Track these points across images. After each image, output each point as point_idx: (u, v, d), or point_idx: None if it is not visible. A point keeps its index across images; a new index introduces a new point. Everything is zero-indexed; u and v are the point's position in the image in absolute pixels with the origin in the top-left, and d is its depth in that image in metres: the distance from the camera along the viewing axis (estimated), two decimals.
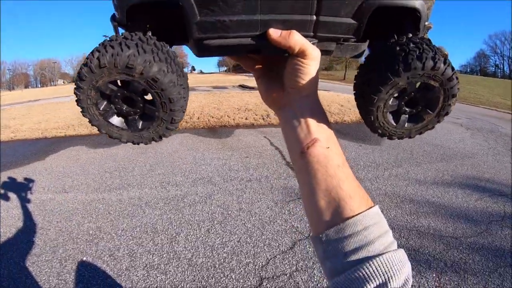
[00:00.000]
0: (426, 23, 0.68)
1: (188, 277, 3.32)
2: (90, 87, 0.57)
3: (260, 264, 3.55)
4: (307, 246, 3.84)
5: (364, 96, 0.68)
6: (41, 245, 3.70)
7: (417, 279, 3.19)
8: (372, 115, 0.68)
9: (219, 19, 0.62)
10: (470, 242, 3.73)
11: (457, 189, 5.18)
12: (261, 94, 0.76)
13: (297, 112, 0.67)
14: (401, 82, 0.62)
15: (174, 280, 3.26)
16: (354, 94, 0.73)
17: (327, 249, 0.59)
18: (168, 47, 0.61)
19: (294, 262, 3.56)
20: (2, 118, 10.59)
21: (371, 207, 0.60)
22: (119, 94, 0.60)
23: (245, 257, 3.65)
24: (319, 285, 3.27)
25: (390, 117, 0.70)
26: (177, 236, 3.86)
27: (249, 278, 3.33)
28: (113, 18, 0.62)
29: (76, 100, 0.59)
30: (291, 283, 3.26)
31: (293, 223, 4.30)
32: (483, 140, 8.06)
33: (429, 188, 5.28)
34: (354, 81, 0.72)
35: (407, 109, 0.70)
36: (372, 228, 0.57)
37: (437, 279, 3.16)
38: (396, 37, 0.65)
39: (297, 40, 0.61)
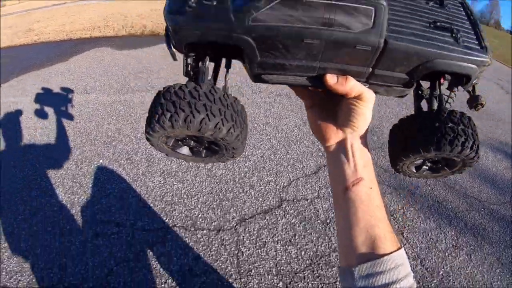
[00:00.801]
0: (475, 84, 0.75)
1: (205, 188, 3.16)
2: (161, 136, 0.66)
3: (282, 184, 3.34)
4: None
5: (395, 150, 0.80)
6: (58, 146, 3.57)
7: (435, 233, 3.02)
8: (397, 165, 0.81)
9: (280, 62, 0.67)
10: (492, 209, 3.47)
11: (488, 151, 4.74)
12: (311, 124, 0.79)
13: (347, 150, 0.72)
14: (429, 155, 0.73)
15: (191, 190, 3.11)
16: (389, 135, 0.83)
17: (358, 281, 0.63)
18: (234, 100, 0.68)
19: (316, 188, 3.34)
20: (26, 22, 10.05)
21: (399, 248, 0.65)
22: (188, 138, 0.71)
23: (267, 174, 3.43)
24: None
25: (412, 168, 0.83)
26: None
27: (269, 198, 3.14)
28: (170, 46, 0.68)
29: (146, 139, 0.68)
30: (310, 210, 3.06)
31: (320, 146, 3.98)
32: None
33: None
34: (393, 126, 0.82)
35: (428, 164, 0.84)
36: (400, 268, 0.63)
37: (455, 238, 2.99)
38: (438, 103, 0.77)
39: (353, 86, 0.65)
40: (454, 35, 0.70)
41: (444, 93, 0.79)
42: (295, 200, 3.20)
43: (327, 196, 3.25)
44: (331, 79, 0.65)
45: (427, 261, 2.76)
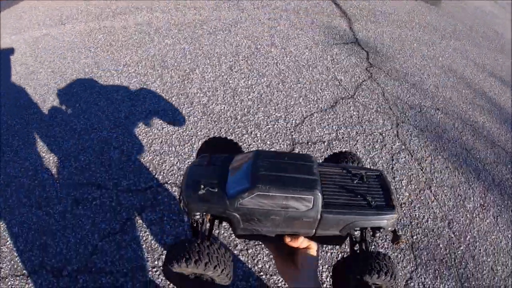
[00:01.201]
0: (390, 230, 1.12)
1: (201, 130, 2.59)
2: (176, 270, 0.95)
3: (293, 122, 2.72)
4: (351, 108, 2.98)
5: (336, 278, 1.18)
6: (28, 95, 2.91)
7: (463, 188, 2.61)
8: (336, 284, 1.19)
9: (255, 228, 1.03)
10: None
11: None
12: (278, 268, 1.13)
13: (305, 281, 1.01)
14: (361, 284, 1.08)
15: (183, 133, 2.55)
16: (332, 274, 1.20)
17: None
18: (224, 250, 1.02)
19: (334, 127, 2.76)
20: None
21: None
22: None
23: (275, 109, 2.80)
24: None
25: None
26: (191, 73, 3.01)
27: (278, 140, 2.56)
28: (182, 208, 1.07)
29: (163, 270, 1.05)
30: (328, 155, 2.38)
31: (336, 74, 3.30)
32: None
33: (487, 78, 4.08)
34: (334, 266, 1.19)
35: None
36: None
37: (483, 195, 2.60)
38: (365, 248, 1.13)
39: (301, 242, 1.00)
40: (369, 201, 1.06)
41: (369, 239, 1.14)
42: (310, 143, 2.61)
43: (346, 137, 2.69)
44: (287, 238, 0.98)
45: (454, 223, 2.38)
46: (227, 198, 1.01)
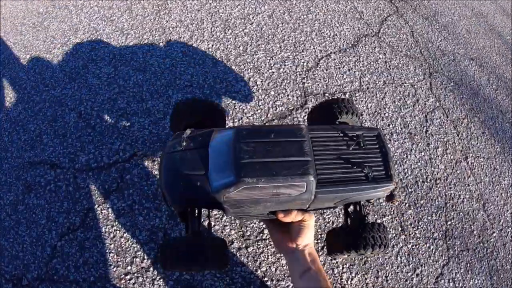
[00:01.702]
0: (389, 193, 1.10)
1: (181, 75, 1.99)
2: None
3: (305, 64, 2.10)
4: (376, 49, 2.37)
5: (332, 248, 1.28)
6: None
7: (499, 161, 2.20)
8: (331, 255, 1.33)
9: (244, 212, 1.03)
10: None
11: None
12: (274, 242, 1.19)
13: (300, 254, 1.08)
14: (353, 255, 1.21)
15: (157, 82, 1.96)
16: (326, 238, 1.32)
17: None
18: (217, 239, 1.15)
19: (357, 74, 2.17)
20: None
21: None
22: None
23: (280, 48, 2.16)
24: (391, 122, 2.10)
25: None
26: (168, 2, 2.33)
27: (285, 90, 1.96)
28: (167, 205, 1.05)
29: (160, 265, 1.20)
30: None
31: (356, 4, 2.62)
32: None
33: None
34: (328, 232, 1.31)
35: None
36: None
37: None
38: (359, 219, 1.18)
39: (294, 217, 1.02)
40: (366, 173, 1.00)
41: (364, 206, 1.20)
42: (326, 94, 2.00)
43: (372, 88, 2.13)
44: (279, 214, 1.01)
45: (489, 204, 1.96)
46: (211, 192, 0.96)
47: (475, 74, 2.68)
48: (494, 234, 1.95)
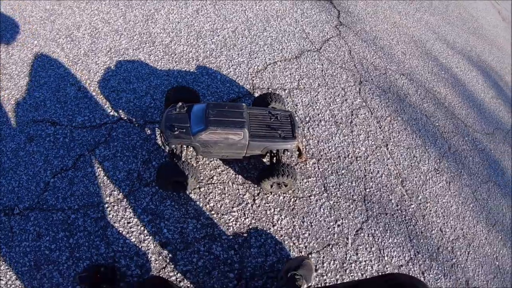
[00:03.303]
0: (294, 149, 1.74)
1: (161, 68, 2.28)
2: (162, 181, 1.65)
3: (255, 67, 2.48)
4: (316, 61, 2.72)
5: (259, 178, 1.79)
6: None
7: (419, 151, 2.48)
8: (260, 183, 1.80)
9: (209, 151, 1.65)
10: (475, 138, 2.91)
11: (479, 73, 3.84)
12: None
13: None
14: (273, 180, 1.73)
15: (142, 71, 2.25)
16: (259, 174, 1.84)
17: None
18: (193, 164, 1.80)
19: (296, 76, 2.51)
20: None
21: None
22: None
23: (238, 54, 2.53)
24: (320, 113, 2.42)
25: (268, 186, 1.82)
26: (155, 13, 2.64)
27: (238, 83, 2.31)
28: (164, 144, 1.72)
29: (156, 182, 1.72)
30: (288, 103, 2.33)
31: (304, 27, 2.99)
32: None
33: (455, 55, 3.85)
34: (260, 171, 1.84)
35: (275, 184, 1.78)
36: None
37: (438, 160, 2.49)
38: (277, 159, 1.76)
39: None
40: (279, 133, 1.65)
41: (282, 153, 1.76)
42: (269, 89, 2.36)
43: (308, 88, 2.46)
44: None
45: (408, 182, 2.28)
46: (191, 135, 1.58)
47: (403, 85, 2.99)
48: (413, 206, 2.21)
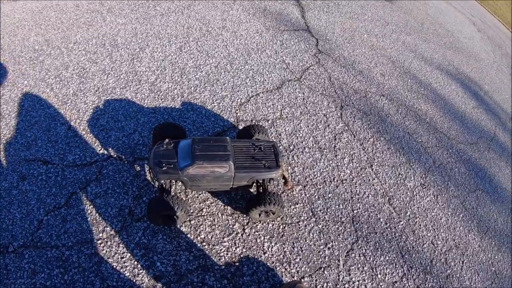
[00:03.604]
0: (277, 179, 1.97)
1: (147, 106, 2.37)
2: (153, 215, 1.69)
3: (239, 101, 2.58)
4: (297, 90, 2.84)
5: (248, 208, 1.85)
6: None
7: (404, 168, 2.56)
8: (249, 213, 1.86)
9: (196, 184, 1.72)
10: (459, 149, 3.04)
11: (459, 86, 4.05)
12: None
13: None
14: (261, 209, 1.80)
15: (130, 109, 2.33)
16: (246, 204, 1.89)
17: None
18: (183, 199, 1.74)
19: (279, 107, 2.62)
20: None
21: None
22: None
23: (221, 89, 2.64)
24: (303, 140, 2.50)
25: (256, 215, 1.87)
26: (140, 52, 2.73)
27: (223, 117, 2.41)
28: (153, 180, 1.86)
29: (148, 217, 1.78)
30: (272, 133, 2.41)
31: (284, 57, 3.12)
32: (490, 50, 6.07)
33: (433, 71, 4.06)
34: (247, 201, 1.90)
35: (263, 213, 1.83)
36: None
37: (423, 175, 2.57)
38: (264, 189, 1.85)
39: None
40: (263, 163, 1.73)
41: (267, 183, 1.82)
42: (253, 121, 2.47)
43: (290, 117, 2.56)
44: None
45: (395, 200, 2.33)
46: (179, 170, 1.65)
47: (384, 106, 3.08)
48: (402, 222, 2.26)
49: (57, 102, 2.28)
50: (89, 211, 1.83)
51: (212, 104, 2.48)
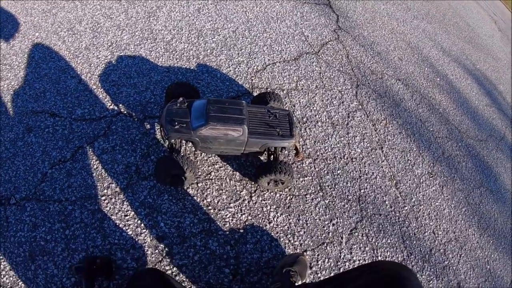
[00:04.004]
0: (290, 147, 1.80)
1: (161, 65, 2.26)
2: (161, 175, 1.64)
3: (255, 67, 2.46)
4: (314, 64, 2.72)
5: (257, 175, 1.78)
6: None
7: (414, 155, 2.49)
8: (257, 181, 1.78)
9: (207, 146, 1.61)
10: (469, 144, 2.94)
11: (474, 82, 3.89)
12: None
13: None
14: (271, 177, 1.70)
15: (143, 66, 2.22)
16: (255, 170, 1.82)
17: None
18: (192, 159, 1.76)
19: (295, 78, 2.51)
20: None
21: None
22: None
23: (238, 54, 2.51)
24: (317, 114, 2.43)
25: (265, 183, 1.78)
26: (157, 11, 2.61)
27: (237, 82, 2.30)
28: (163, 139, 1.68)
29: (155, 175, 1.68)
30: (286, 103, 2.32)
31: (304, 30, 2.98)
32: (509, 51, 5.74)
33: (451, 62, 3.88)
34: (256, 167, 1.84)
35: (272, 182, 1.76)
36: None
37: (431, 164, 2.50)
38: (275, 157, 1.76)
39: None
40: (277, 131, 1.63)
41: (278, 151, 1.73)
42: (268, 89, 2.36)
43: (305, 89, 2.46)
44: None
45: (401, 185, 2.27)
46: (191, 130, 1.55)
47: (399, 90, 3.00)
48: (406, 208, 2.21)
49: (69, 55, 2.18)
50: (95, 167, 1.75)
51: (228, 69, 2.36)
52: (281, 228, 1.81)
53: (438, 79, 3.47)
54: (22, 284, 1.42)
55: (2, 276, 1.42)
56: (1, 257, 1.46)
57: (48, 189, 1.65)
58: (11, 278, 1.42)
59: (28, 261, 1.47)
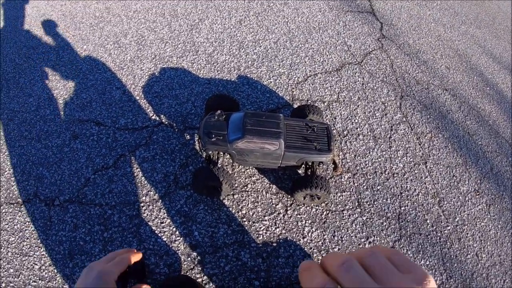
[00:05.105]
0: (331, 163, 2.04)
1: (202, 77, 2.53)
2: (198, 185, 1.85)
3: (296, 79, 2.64)
4: (356, 74, 2.83)
5: (293, 189, 1.90)
6: (37, 33, 2.89)
7: (460, 171, 2.48)
8: (294, 194, 1.95)
9: (244, 159, 1.81)
10: None
11: None
12: None
13: None
14: (306, 192, 1.85)
15: (185, 78, 2.50)
16: (292, 185, 1.96)
17: None
18: (228, 171, 1.88)
19: (336, 89, 2.64)
20: None
21: None
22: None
23: (279, 65, 2.71)
24: (359, 127, 2.52)
25: (301, 198, 1.96)
26: (199, 23, 2.90)
27: (278, 94, 2.49)
28: (200, 150, 2.02)
29: (192, 185, 1.91)
30: (326, 115, 2.46)
31: (346, 39, 3.12)
32: None
33: (501, 70, 3.76)
34: (293, 181, 1.94)
35: (308, 196, 1.90)
36: None
37: (478, 181, 2.48)
38: (312, 171, 1.89)
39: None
40: (314, 145, 1.76)
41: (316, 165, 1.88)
42: (309, 101, 2.52)
43: (347, 101, 2.57)
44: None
45: (445, 202, 2.28)
46: (228, 142, 1.71)
47: (446, 101, 3.01)
48: (449, 227, 2.21)
49: (114, 67, 2.51)
50: (135, 174, 2.01)
51: (268, 80, 2.56)
52: (315, 244, 1.92)
53: (488, 88, 3.42)
54: (60, 279, 1.67)
55: (42, 270, 1.69)
56: (43, 253, 1.73)
57: (90, 193, 1.93)
58: (50, 273, 1.68)
59: (67, 258, 1.73)
